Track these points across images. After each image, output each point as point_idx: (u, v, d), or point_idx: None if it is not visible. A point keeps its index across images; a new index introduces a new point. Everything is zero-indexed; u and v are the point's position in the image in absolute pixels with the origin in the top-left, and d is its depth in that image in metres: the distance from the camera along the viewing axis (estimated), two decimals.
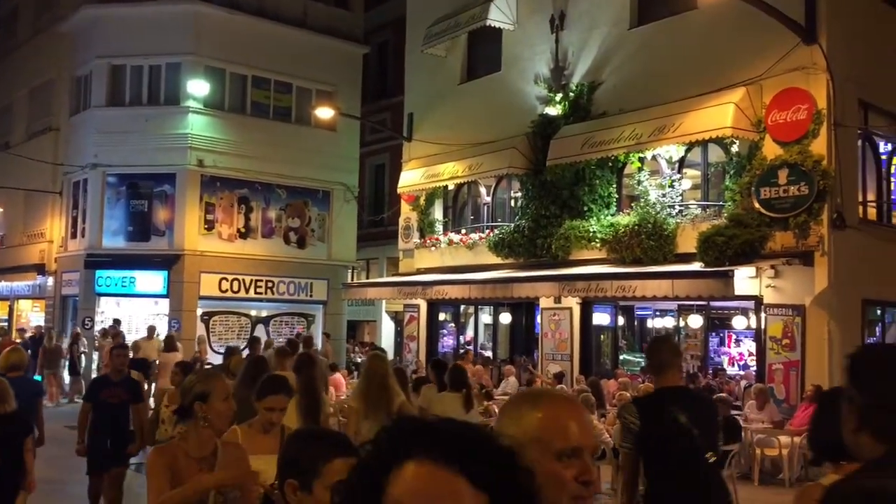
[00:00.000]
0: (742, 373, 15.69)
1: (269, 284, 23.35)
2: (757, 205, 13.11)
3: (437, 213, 20.24)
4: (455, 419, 1.23)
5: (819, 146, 12.80)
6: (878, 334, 14.79)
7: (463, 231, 19.20)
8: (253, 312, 23.58)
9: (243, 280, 22.84)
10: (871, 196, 14.50)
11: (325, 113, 21.48)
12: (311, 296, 24.19)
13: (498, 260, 17.56)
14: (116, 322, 20.46)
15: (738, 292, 12.88)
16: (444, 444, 1.12)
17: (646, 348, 7.96)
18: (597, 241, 15.44)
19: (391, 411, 6.82)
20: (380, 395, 6.89)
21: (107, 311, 22.00)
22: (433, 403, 8.64)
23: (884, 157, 14.98)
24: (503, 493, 1.11)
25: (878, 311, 14.77)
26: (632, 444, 4.68)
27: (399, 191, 20.48)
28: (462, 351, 18.50)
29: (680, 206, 14.69)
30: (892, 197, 15.16)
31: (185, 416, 3.82)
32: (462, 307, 20.76)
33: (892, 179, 15.16)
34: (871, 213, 14.46)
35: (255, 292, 23.11)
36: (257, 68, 23.17)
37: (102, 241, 22.20)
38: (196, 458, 3.73)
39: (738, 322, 15.52)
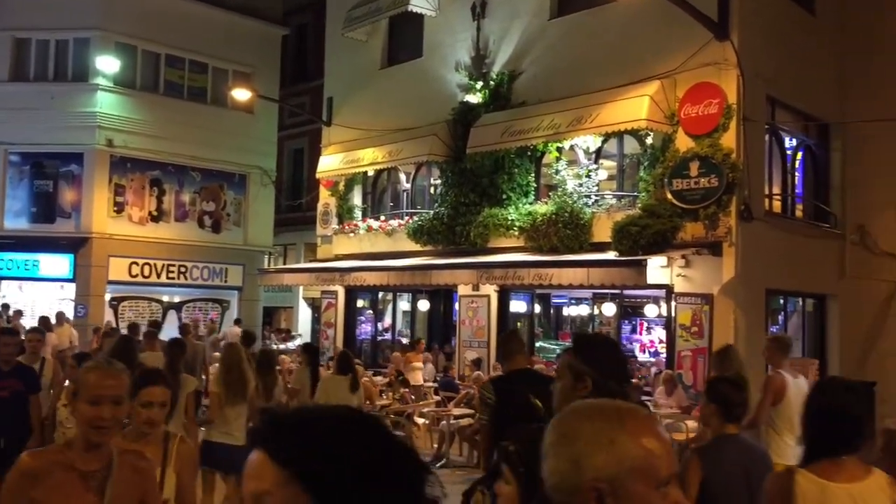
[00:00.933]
0: (653, 360, 16.10)
1: (182, 269, 22.80)
2: (669, 196, 13.43)
3: (357, 199, 20.07)
4: (300, 408, 1.41)
5: (729, 140, 13.18)
6: (780, 322, 15.40)
7: (382, 218, 19.10)
8: (165, 298, 22.98)
9: (155, 265, 22.22)
10: (776, 189, 15.05)
11: (241, 94, 21.02)
12: (225, 281, 23.74)
13: (417, 247, 17.53)
14: (5, 307, 19.47)
15: (650, 281, 13.19)
16: (261, 431, 1.33)
17: (500, 338, 9.77)
18: (515, 229, 15.57)
19: (245, 396, 7.79)
20: (236, 380, 7.74)
21: (9, 296, 21.08)
22: (322, 385, 9.72)
23: (789, 151, 15.55)
24: (309, 466, 1.26)
25: (781, 301, 15.37)
26: (488, 417, 5.40)
27: (318, 176, 20.22)
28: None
29: (596, 195, 14.93)
30: (797, 191, 15.77)
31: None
32: (380, 294, 20.68)
33: (797, 174, 15.76)
34: (777, 205, 15.01)
35: (168, 277, 22.54)
36: (171, 46, 22.50)
37: (4, 222, 21.25)
38: (81, 471, 2.87)
39: (650, 310, 15.91)
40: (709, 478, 3.58)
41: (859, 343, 16.67)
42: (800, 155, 15.88)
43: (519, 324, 17.12)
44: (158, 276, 22.24)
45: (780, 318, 15.48)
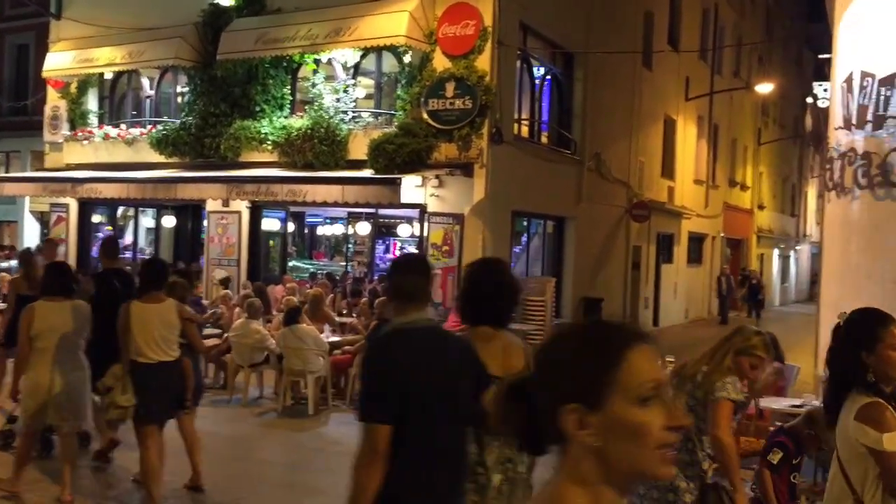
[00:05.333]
0: None
1: None
2: (425, 115, 13.47)
3: (92, 103, 18.25)
4: None
5: (483, 63, 13.40)
6: (523, 242, 16.23)
7: (122, 125, 17.54)
8: None
9: None
10: (525, 115, 15.63)
11: None
12: None
13: (161, 158, 16.34)
14: None
15: (404, 200, 13.27)
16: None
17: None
18: (268, 143, 14.95)
19: None
20: None
21: None
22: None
23: (537, 80, 16.16)
24: None
25: (525, 222, 16.17)
26: None
27: (45, 75, 18.09)
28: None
29: (353, 112, 14.66)
30: (543, 117, 16.49)
31: None
32: (120, 209, 19.16)
33: (543, 100, 16.46)
34: (525, 130, 15.62)
35: None
36: None
37: None
38: None
39: (403, 230, 16.10)
40: None
41: (591, 263, 18.06)
42: (546, 83, 16.56)
43: (271, 242, 16.63)
44: None
45: (524, 238, 16.31)
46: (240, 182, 14.37)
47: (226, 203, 15.51)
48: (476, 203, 13.50)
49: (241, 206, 15.56)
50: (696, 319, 25.42)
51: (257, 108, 15.26)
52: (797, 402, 6.91)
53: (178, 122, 16.31)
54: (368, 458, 2.88)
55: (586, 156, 17.20)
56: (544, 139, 16.57)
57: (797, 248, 41.34)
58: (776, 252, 37.31)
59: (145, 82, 17.56)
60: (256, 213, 15.89)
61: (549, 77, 16.55)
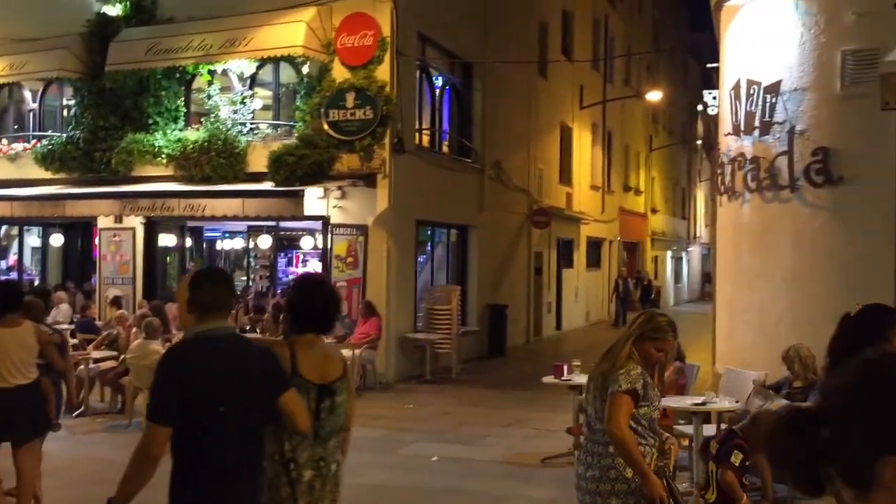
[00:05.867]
0: None
1: None
2: (326, 126, 13.34)
3: None
4: None
5: (383, 73, 13.37)
6: (427, 251, 16.26)
7: (3, 140, 16.65)
8: None
9: None
10: (426, 124, 15.70)
11: None
12: None
13: (47, 174, 15.59)
14: None
15: (307, 212, 13.13)
16: None
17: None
18: (163, 156, 14.48)
19: None
20: None
21: None
22: None
23: (437, 89, 16.26)
24: None
25: (429, 231, 16.21)
26: None
27: None
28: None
29: (251, 124, 14.38)
30: (443, 126, 16.60)
31: None
32: (3, 228, 18.19)
33: (444, 110, 16.58)
34: (426, 140, 15.68)
35: None
36: None
37: None
38: None
39: (306, 242, 15.88)
40: None
41: (495, 270, 18.26)
42: (446, 92, 16.68)
43: (168, 259, 16.11)
44: None
45: (428, 247, 16.34)
46: (133, 197, 13.89)
47: (119, 219, 14.95)
48: (379, 213, 13.44)
49: (136, 222, 15.02)
50: (597, 322, 26.06)
51: (150, 121, 14.77)
52: (698, 399, 7.13)
53: (65, 135, 15.61)
54: (143, 454, 3.13)
55: (487, 164, 17.40)
56: (445, 148, 16.68)
57: (688, 249, 42.96)
58: (669, 254, 38.67)
59: (27, 95, 16.75)
60: (152, 229, 15.37)
61: (448, 87, 16.67)
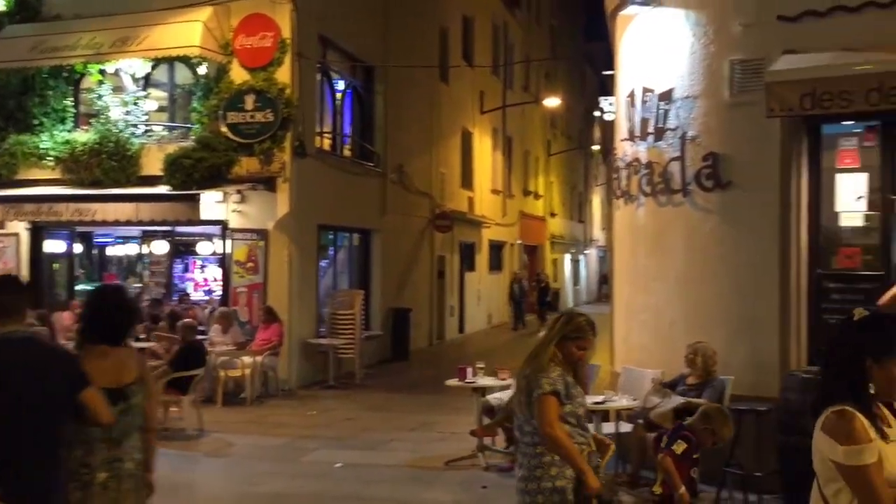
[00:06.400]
0: (207, 298, 15.73)
1: None
2: (224, 129, 13.04)
3: None
4: None
5: (284, 75, 13.17)
6: (330, 256, 16.10)
7: None
8: None
9: None
10: (327, 128, 15.55)
11: None
12: None
13: None
14: None
15: (204, 217, 12.82)
16: None
17: None
18: (50, 159, 13.83)
19: None
20: None
21: None
22: None
23: (339, 93, 16.14)
24: None
25: (331, 236, 16.05)
26: None
27: None
28: None
29: (145, 125, 13.92)
30: (345, 130, 16.48)
31: None
32: None
33: (345, 113, 16.46)
34: (327, 143, 15.53)
35: None
36: None
37: None
38: None
39: (204, 247, 15.46)
40: None
41: (398, 274, 18.25)
42: (348, 96, 16.57)
43: (56, 265, 15.40)
44: None
45: (331, 251, 16.18)
46: (17, 201, 13.24)
47: (1, 225, 14.22)
48: (280, 218, 13.23)
49: (20, 227, 14.31)
50: (499, 324, 26.38)
51: (35, 122, 14.09)
52: (599, 398, 7.29)
53: None
54: None
55: (389, 168, 17.38)
56: (347, 152, 16.57)
57: (586, 252, 44.03)
58: (568, 256, 39.54)
59: None
60: (38, 234, 14.67)
61: (349, 90, 16.57)
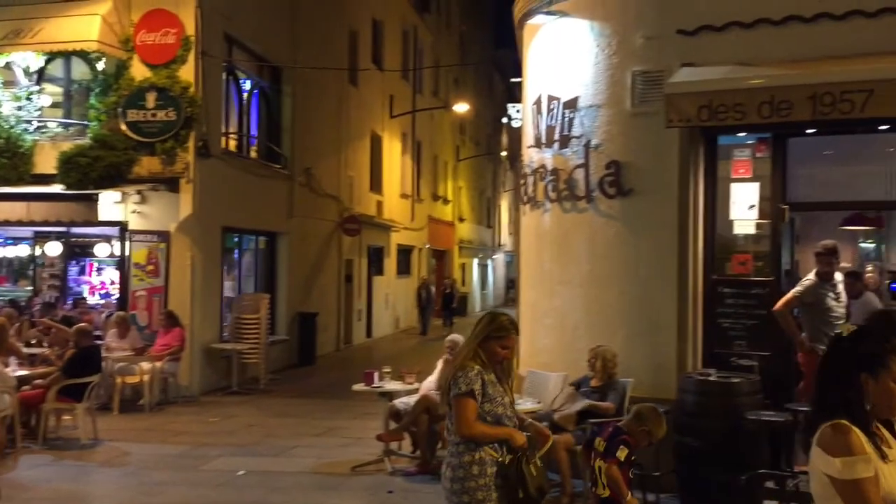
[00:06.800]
0: (103, 302, 15.16)
1: None
2: (124, 127, 12.62)
3: None
4: None
5: (187, 73, 12.84)
6: (235, 259, 15.76)
7: None
8: None
9: None
10: (232, 128, 15.24)
11: None
12: None
13: None
14: None
15: (102, 218, 12.43)
16: None
17: None
18: None
19: None
20: None
21: None
22: None
23: (245, 93, 15.84)
24: None
25: (236, 238, 15.72)
26: None
27: None
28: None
29: (39, 122, 13.32)
30: (251, 131, 16.18)
31: None
32: None
33: (252, 114, 16.16)
34: (233, 144, 15.22)
35: None
36: None
37: None
38: None
39: (101, 249, 14.89)
40: None
41: (305, 278, 18.02)
42: (254, 96, 16.28)
43: None
44: None
45: (236, 254, 15.85)
46: None
47: None
48: (183, 220, 12.88)
49: None
50: (407, 329, 26.37)
51: None
52: None
53: None
54: None
55: (297, 170, 17.16)
56: (254, 153, 16.27)
57: (494, 256, 44.52)
58: (476, 261, 39.88)
59: None
60: None
61: (257, 91, 16.28)
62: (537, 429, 4.35)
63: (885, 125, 6.94)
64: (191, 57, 12.83)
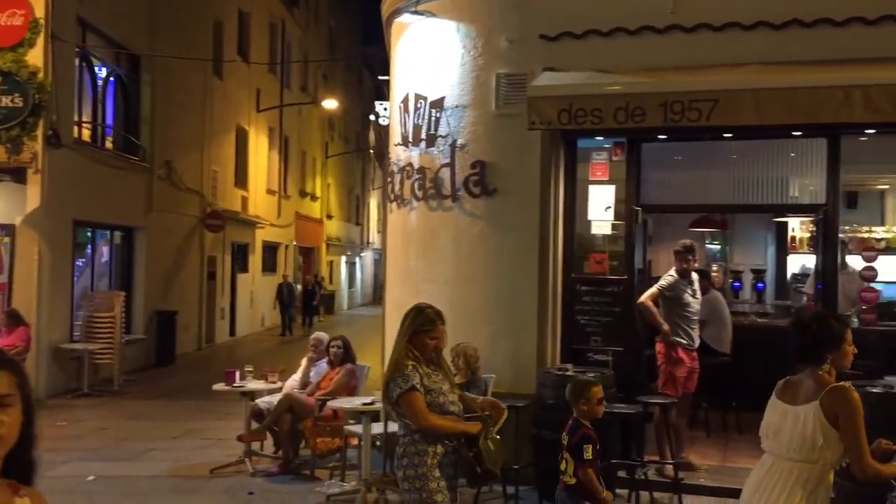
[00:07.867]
0: None
1: None
2: None
3: None
4: None
5: (36, 57, 12.12)
6: (87, 255, 15.00)
7: None
8: None
9: None
10: (86, 117, 14.49)
11: None
12: None
13: None
14: None
15: None
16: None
17: None
18: None
19: None
20: None
21: None
22: None
23: (100, 80, 15.09)
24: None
25: (89, 233, 14.96)
26: None
27: None
28: None
29: None
30: (107, 121, 15.43)
31: None
32: None
33: (107, 103, 15.42)
34: (86, 134, 14.47)
35: None
36: None
37: None
38: None
39: None
40: None
41: (164, 275, 17.36)
42: (110, 84, 15.55)
43: None
44: None
45: (88, 250, 15.08)
46: None
47: None
48: (30, 212, 12.14)
49: None
50: (272, 327, 25.87)
51: None
52: (368, 399, 7.36)
53: None
54: None
55: (156, 163, 16.51)
56: (109, 144, 15.52)
57: (362, 254, 44.37)
58: (344, 259, 39.62)
59: None
60: None
61: (113, 78, 15.54)
62: (491, 402, 4.46)
63: (730, 133, 7.40)
64: (40, 40, 12.12)
